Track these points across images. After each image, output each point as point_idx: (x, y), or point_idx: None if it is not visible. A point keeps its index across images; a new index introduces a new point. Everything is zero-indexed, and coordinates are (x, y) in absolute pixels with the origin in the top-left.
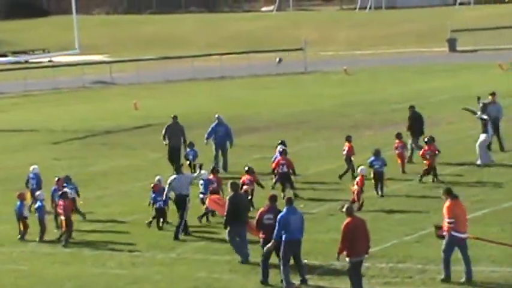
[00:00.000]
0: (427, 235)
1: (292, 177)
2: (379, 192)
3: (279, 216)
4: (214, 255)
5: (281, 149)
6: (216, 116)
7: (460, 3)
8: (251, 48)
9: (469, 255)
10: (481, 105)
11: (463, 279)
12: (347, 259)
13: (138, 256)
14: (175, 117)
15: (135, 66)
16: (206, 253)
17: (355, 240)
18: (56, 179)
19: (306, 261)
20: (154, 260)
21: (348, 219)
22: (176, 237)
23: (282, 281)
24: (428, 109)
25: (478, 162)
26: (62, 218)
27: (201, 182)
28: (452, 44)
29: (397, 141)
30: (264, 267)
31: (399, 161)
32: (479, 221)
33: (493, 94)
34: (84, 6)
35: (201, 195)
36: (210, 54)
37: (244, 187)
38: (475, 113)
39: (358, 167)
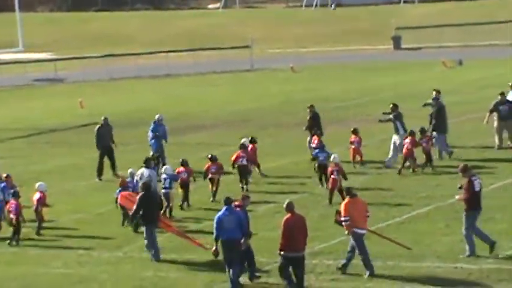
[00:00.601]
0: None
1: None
2: (323, 185)
3: (215, 217)
4: (161, 254)
5: (245, 143)
6: (157, 116)
7: (405, 1)
8: (197, 45)
9: (367, 249)
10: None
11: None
12: (281, 253)
13: (84, 255)
14: (106, 119)
15: (80, 64)
16: None
17: (294, 236)
18: (5, 175)
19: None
20: (100, 259)
21: (287, 215)
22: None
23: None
24: (372, 107)
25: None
26: (12, 216)
27: (164, 176)
28: (396, 41)
29: (353, 136)
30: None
31: (352, 156)
32: (425, 217)
33: (437, 92)
34: (27, 4)
35: (163, 190)
36: (156, 52)
37: (210, 175)
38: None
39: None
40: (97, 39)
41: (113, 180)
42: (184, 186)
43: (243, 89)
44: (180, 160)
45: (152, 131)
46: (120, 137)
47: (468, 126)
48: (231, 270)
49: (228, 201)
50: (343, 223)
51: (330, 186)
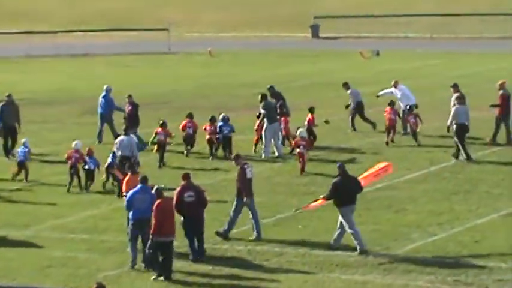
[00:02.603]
0: (285, 218)
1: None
2: (228, 155)
3: (128, 194)
4: (71, 233)
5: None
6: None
7: None
8: (115, 26)
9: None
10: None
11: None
12: (152, 238)
13: None
14: (9, 96)
15: None
16: (62, 232)
17: (164, 220)
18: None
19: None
20: (8, 238)
21: (158, 200)
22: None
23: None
24: (289, 93)
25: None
26: None
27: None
28: (315, 30)
29: (282, 118)
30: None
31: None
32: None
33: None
34: None
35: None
36: (73, 31)
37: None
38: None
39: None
40: (13, 15)
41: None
42: (161, 146)
43: (161, 72)
44: (160, 122)
45: (104, 98)
46: (38, 116)
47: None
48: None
49: (144, 180)
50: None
51: (299, 159)
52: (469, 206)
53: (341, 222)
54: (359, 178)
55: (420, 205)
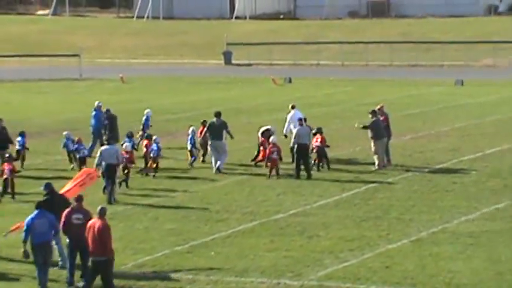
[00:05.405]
0: (198, 246)
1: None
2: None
3: (26, 220)
4: None
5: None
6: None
7: (236, 17)
8: (25, 51)
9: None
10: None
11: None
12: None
13: None
14: None
15: None
16: None
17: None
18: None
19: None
20: None
21: (100, 220)
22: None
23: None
24: (201, 119)
25: None
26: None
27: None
28: (227, 57)
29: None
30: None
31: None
32: (250, 232)
33: (293, 107)
34: None
35: None
36: None
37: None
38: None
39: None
40: None
41: None
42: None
43: (71, 98)
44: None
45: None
46: None
47: None
48: (41, 273)
49: (39, 205)
50: None
51: (269, 165)
52: (379, 232)
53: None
54: (63, 191)
55: (332, 231)
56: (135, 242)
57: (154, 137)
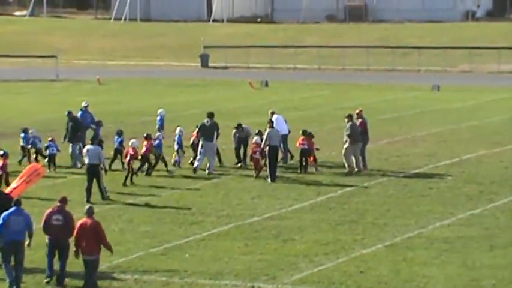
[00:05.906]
0: (173, 248)
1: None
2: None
3: (2, 215)
4: None
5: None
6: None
7: (214, 20)
8: (2, 52)
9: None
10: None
11: None
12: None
13: None
14: None
15: None
16: None
17: (83, 240)
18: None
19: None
20: None
21: (89, 220)
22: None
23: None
24: (180, 122)
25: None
26: None
27: None
28: (204, 59)
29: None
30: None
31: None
32: (225, 235)
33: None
34: None
35: None
36: None
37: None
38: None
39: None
40: None
41: None
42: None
43: (48, 99)
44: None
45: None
46: None
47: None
48: (13, 273)
49: (17, 203)
50: None
51: (254, 165)
52: (354, 236)
53: None
54: (9, 190)
55: (307, 235)
56: (111, 243)
57: (157, 134)
